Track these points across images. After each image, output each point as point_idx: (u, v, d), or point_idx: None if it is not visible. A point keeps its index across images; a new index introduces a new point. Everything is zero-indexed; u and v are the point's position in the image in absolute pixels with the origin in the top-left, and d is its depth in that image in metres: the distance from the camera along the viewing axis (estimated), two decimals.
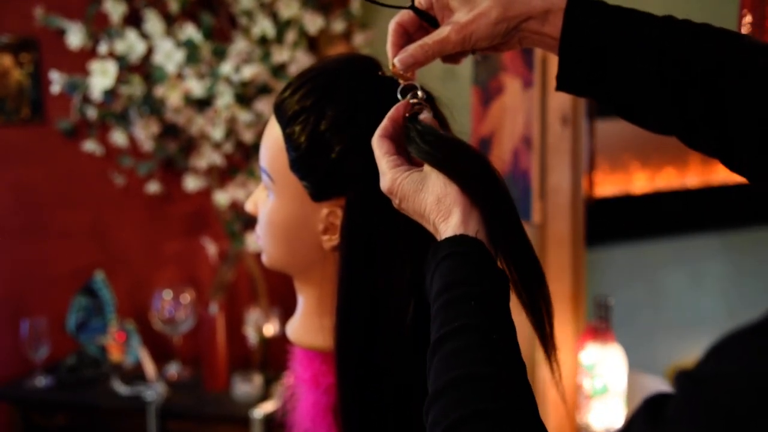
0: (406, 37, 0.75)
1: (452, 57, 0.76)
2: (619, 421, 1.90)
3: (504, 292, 0.65)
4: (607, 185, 2.77)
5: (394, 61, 0.74)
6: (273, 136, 0.82)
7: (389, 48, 0.75)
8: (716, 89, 0.66)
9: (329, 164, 0.78)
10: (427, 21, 0.74)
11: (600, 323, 1.89)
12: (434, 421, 0.57)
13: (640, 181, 2.85)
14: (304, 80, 0.80)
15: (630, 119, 0.72)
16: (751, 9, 1.02)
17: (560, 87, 0.73)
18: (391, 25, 0.75)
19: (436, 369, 0.60)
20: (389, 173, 0.69)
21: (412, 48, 0.73)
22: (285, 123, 0.80)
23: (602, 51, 0.69)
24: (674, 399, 0.45)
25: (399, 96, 0.75)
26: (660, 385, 2.75)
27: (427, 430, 0.58)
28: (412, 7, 0.75)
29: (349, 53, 0.84)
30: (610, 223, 2.81)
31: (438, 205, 0.67)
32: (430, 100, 0.78)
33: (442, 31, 0.71)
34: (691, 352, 3.09)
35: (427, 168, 0.69)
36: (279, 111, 0.81)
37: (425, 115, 0.73)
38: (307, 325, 0.87)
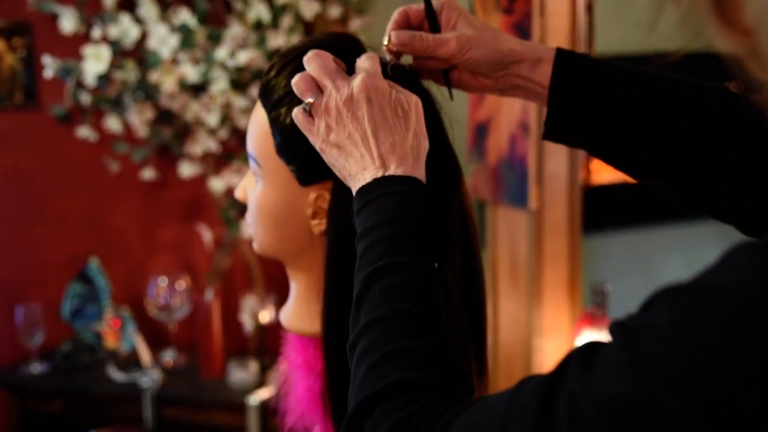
0: (407, 25, 0.79)
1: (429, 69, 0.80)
2: None
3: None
4: (604, 172, 2.76)
5: (390, 34, 0.76)
6: (259, 121, 0.81)
7: (390, 24, 0.78)
8: (696, 142, 0.71)
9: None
10: (430, 19, 0.77)
11: (596, 310, 1.89)
12: (363, 351, 0.61)
13: None
14: (287, 61, 0.79)
15: (618, 167, 0.77)
16: None
17: (547, 136, 0.77)
18: (399, 9, 0.78)
19: (375, 297, 0.63)
20: (371, 70, 0.72)
21: (409, 32, 0.76)
22: (270, 106, 0.79)
23: (588, 103, 0.73)
24: (608, 347, 0.49)
25: (389, 72, 0.75)
26: None
27: (351, 355, 0.62)
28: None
29: (331, 32, 0.83)
30: (607, 209, 2.80)
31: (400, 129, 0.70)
32: (414, 75, 0.80)
33: (445, 35, 0.76)
34: None
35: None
36: (264, 94, 0.80)
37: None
38: (299, 311, 0.86)
